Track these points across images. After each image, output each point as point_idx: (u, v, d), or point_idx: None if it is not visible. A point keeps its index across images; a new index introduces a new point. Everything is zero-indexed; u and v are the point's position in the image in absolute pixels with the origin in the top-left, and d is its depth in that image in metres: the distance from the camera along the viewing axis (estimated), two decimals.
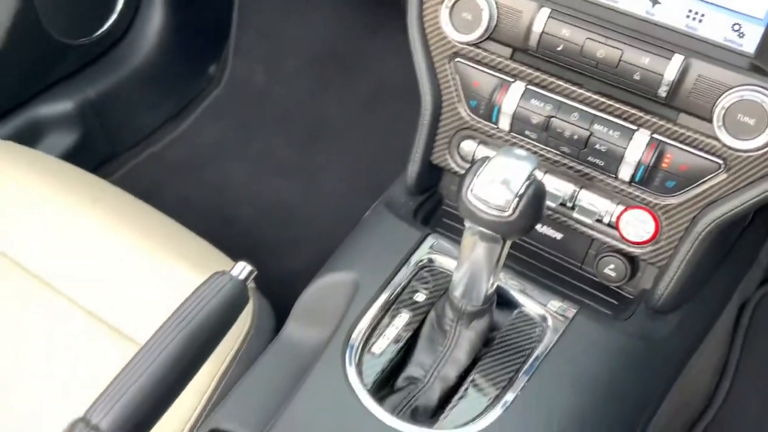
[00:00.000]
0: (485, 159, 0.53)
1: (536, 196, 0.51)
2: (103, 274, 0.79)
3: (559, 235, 0.71)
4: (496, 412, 0.55)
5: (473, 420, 0.54)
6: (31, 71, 1.18)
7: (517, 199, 0.51)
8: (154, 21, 1.33)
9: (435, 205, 0.76)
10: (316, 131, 1.39)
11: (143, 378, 0.44)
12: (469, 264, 0.56)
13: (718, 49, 0.57)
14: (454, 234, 0.69)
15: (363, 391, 0.55)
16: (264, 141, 1.39)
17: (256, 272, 0.51)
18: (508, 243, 0.55)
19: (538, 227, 0.72)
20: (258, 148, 1.38)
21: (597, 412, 0.58)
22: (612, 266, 0.67)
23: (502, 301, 0.64)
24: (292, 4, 1.48)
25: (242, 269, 0.51)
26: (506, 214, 0.51)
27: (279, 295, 0.81)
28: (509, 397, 0.56)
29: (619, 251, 0.66)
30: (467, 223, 0.53)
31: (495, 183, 0.51)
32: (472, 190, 0.51)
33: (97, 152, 1.28)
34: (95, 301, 0.76)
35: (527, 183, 0.51)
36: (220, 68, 1.46)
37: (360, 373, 0.57)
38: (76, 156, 1.20)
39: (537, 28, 0.62)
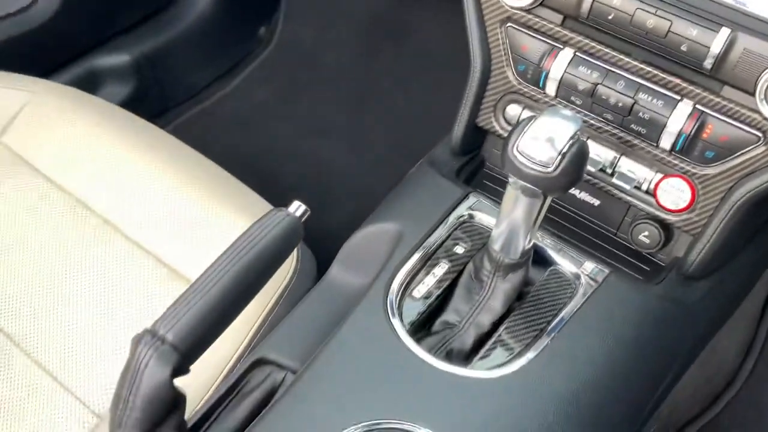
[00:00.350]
0: (532, 117, 0.55)
1: (579, 155, 0.54)
2: (160, 215, 0.83)
3: (596, 202, 0.74)
4: (527, 357, 0.58)
5: (504, 363, 0.58)
6: (93, 23, 1.23)
7: (560, 156, 0.53)
8: None
9: (477, 167, 0.79)
10: (361, 95, 1.42)
11: (207, 297, 0.48)
12: (509, 219, 0.59)
13: (765, 25, 0.58)
14: (494, 196, 0.72)
15: (402, 330, 0.59)
16: (310, 102, 1.42)
17: (309, 212, 0.55)
18: (549, 200, 0.58)
19: (577, 193, 0.74)
20: (303, 109, 1.42)
21: (622, 367, 0.61)
22: (646, 233, 0.69)
23: (538, 259, 0.67)
24: None
25: (298, 207, 0.54)
26: (549, 170, 0.53)
27: (319, 249, 0.85)
28: (540, 344, 0.59)
29: (654, 218, 0.69)
30: (511, 179, 0.56)
31: (540, 140, 0.54)
32: (517, 147, 0.54)
33: (149, 105, 1.33)
34: (153, 242, 0.82)
35: (571, 142, 0.54)
36: (270, 30, 1.50)
37: (400, 314, 0.60)
38: (129, 107, 1.25)
39: None
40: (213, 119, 1.40)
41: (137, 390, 0.46)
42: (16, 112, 0.92)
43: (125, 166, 0.88)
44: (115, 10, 1.25)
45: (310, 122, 1.38)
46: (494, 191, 0.74)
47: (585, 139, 0.68)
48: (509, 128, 0.73)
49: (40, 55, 1.13)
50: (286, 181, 1.30)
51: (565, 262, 0.66)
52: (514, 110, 0.73)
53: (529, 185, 0.55)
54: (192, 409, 0.59)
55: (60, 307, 0.80)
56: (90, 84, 1.23)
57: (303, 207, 0.55)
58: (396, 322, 0.59)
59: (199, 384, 0.65)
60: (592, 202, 0.74)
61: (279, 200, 0.92)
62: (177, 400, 0.49)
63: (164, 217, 0.84)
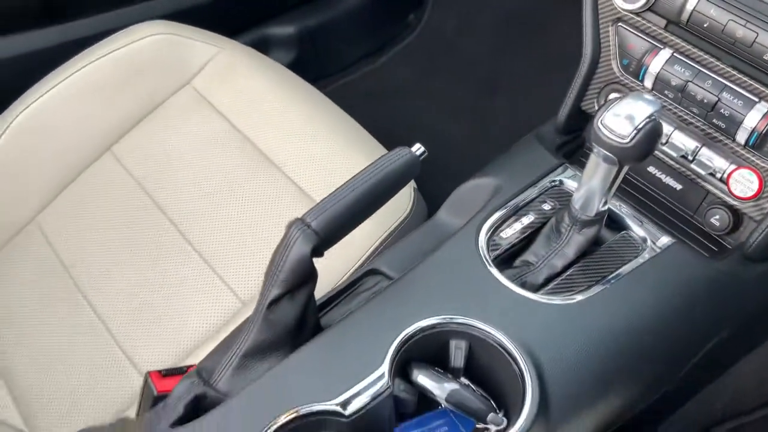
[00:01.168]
0: (618, 98, 0.67)
1: (652, 132, 0.65)
2: (308, 156, 1.02)
3: (679, 186, 0.84)
4: (584, 296, 0.70)
5: (569, 296, 0.71)
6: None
7: (635, 131, 0.65)
8: None
9: (577, 147, 0.91)
10: (492, 82, 1.55)
11: (343, 201, 0.64)
12: (589, 182, 0.71)
13: None
14: None
15: (487, 259, 0.73)
16: (444, 85, 1.58)
17: (426, 153, 0.70)
18: (624, 169, 0.69)
19: (663, 177, 0.85)
20: (438, 90, 1.57)
21: (668, 324, 0.72)
22: (717, 216, 0.79)
23: (614, 224, 0.78)
24: None
25: (419, 148, 0.70)
26: (625, 142, 0.65)
27: (433, 209, 1.00)
28: (597, 289, 0.71)
29: (726, 204, 0.78)
30: (594, 148, 0.69)
31: (620, 117, 0.66)
32: (601, 121, 0.66)
33: (306, 72, 1.53)
34: (300, 176, 1.01)
35: (646, 121, 0.65)
36: (418, 17, 1.67)
37: (487, 247, 0.74)
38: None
39: (690, 6, 0.74)
40: (356, 91, 1.59)
41: (286, 258, 0.63)
42: (205, 62, 1.14)
43: (287, 114, 1.07)
44: None
45: (443, 102, 1.53)
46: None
47: (672, 131, 0.79)
48: None
49: (227, 19, 1.35)
50: None
51: (637, 229, 0.78)
52: (614, 98, 0.84)
53: (608, 153, 0.67)
54: (318, 297, 0.76)
55: (221, 215, 1.00)
56: (261, 48, 1.44)
57: (422, 149, 0.70)
58: (482, 251, 0.73)
59: (327, 281, 0.83)
60: (674, 186, 0.84)
61: None
62: (312, 274, 0.66)
63: (311, 158, 1.03)
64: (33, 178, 1.06)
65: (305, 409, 0.59)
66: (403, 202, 0.95)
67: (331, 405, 0.59)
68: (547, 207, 0.80)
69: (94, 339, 0.93)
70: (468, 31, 1.63)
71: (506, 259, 0.76)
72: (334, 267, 0.87)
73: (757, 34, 0.71)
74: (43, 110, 1.06)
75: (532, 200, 0.80)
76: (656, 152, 0.82)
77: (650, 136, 0.66)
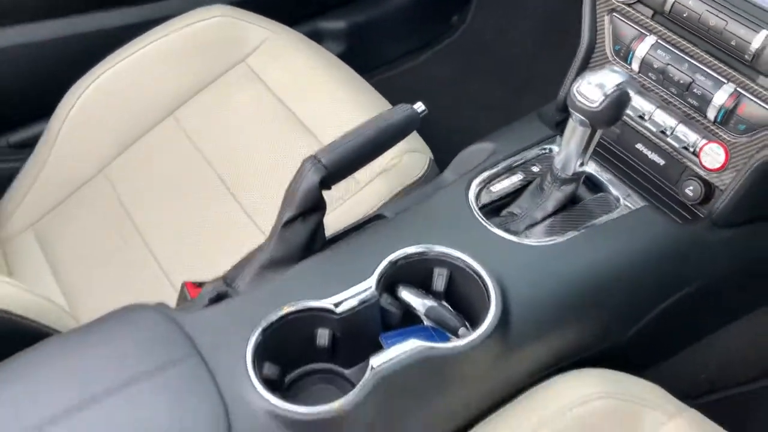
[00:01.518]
0: (593, 69, 0.78)
1: (619, 99, 0.76)
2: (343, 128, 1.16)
3: (662, 162, 0.93)
4: (559, 239, 0.81)
5: (541, 240, 0.81)
6: None
7: (604, 98, 0.76)
8: None
9: None
10: (526, 82, 1.66)
11: (351, 143, 0.77)
12: (567, 144, 0.82)
13: None
14: None
15: (475, 207, 0.84)
16: (480, 85, 1.69)
17: (426, 111, 0.82)
18: (597, 133, 0.80)
19: (648, 153, 0.94)
20: (473, 89, 1.69)
21: (632, 271, 0.81)
22: (691, 187, 0.88)
23: (595, 187, 0.89)
24: None
25: (420, 106, 0.82)
26: (594, 106, 0.76)
27: None
28: (571, 235, 0.82)
29: (698, 176, 0.88)
30: (571, 113, 0.79)
31: (593, 85, 0.76)
32: (577, 89, 0.77)
33: (352, 64, 1.67)
34: (315, 125, 1.14)
35: (615, 89, 0.76)
36: (461, 19, 1.79)
37: (477, 197, 0.86)
38: None
39: None
40: (397, 85, 1.72)
41: (299, 185, 0.76)
42: (259, 43, 1.28)
43: (328, 91, 1.21)
44: None
45: (475, 97, 1.65)
46: None
47: (654, 109, 0.89)
48: None
49: (284, 11, 1.49)
50: (440, 134, 1.57)
51: (614, 191, 0.88)
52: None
53: (581, 117, 0.78)
54: (329, 235, 0.89)
55: (261, 172, 1.14)
56: (313, 39, 1.59)
57: (423, 107, 0.82)
58: (471, 200, 0.84)
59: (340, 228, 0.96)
60: (658, 161, 0.93)
61: (430, 140, 1.21)
62: (321, 203, 0.79)
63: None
64: (106, 134, 1.23)
65: (303, 304, 0.71)
66: (417, 167, 1.07)
67: (325, 303, 0.72)
68: (535, 169, 0.91)
69: (142, 261, 1.08)
70: (507, 33, 1.75)
71: (494, 210, 0.88)
72: (346, 217, 0.99)
73: (727, 22, 0.80)
74: (118, 75, 1.23)
75: (523, 163, 0.91)
76: (641, 129, 0.92)
77: (617, 102, 0.76)
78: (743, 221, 0.86)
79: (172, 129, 1.24)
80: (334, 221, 0.92)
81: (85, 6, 1.33)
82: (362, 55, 1.69)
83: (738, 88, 0.82)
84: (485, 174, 0.89)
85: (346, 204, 1.02)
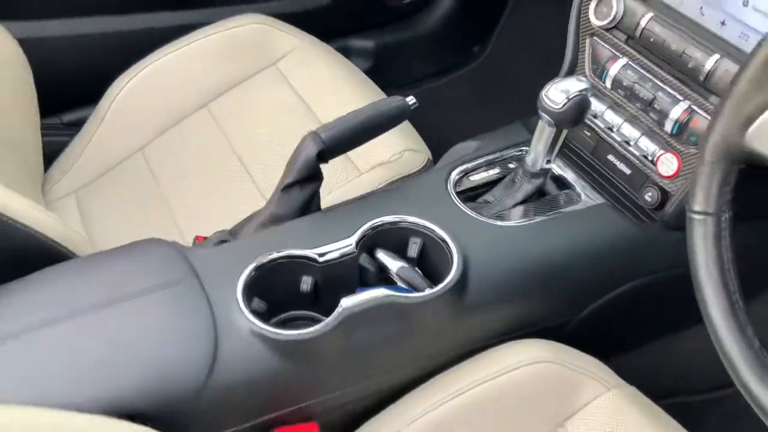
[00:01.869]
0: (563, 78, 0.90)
1: (580, 103, 0.88)
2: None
3: (628, 171, 1.04)
4: (521, 222, 0.92)
5: (505, 222, 0.93)
6: (354, 17, 1.75)
7: (567, 101, 0.88)
8: (446, 2, 1.84)
9: None
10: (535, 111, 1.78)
11: (347, 123, 0.90)
12: (536, 141, 0.94)
13: (741, 54, 0.87)
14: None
15: (452, 190, 0.96)
16: (496, 108, 1.81)
17: (417, 104, 0.95)
18: (563, 133, 0.92)
19: (617, 163, 1.05)
20: (489, 111, 1.81)
21: (581, 260, 0.91)
22: (650, 193, 0.99)
23: (564, 186, 1.00)
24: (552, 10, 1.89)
25: (411, 99, 0.95)
26: (558, 108, 0.88)
27: None
28: (536, 219, 0.93)
29: (656, 183, 0.98)
30: (540, 114, 0.91)
31: (558, 90, 0.89)
32: (545, 93, 0.90)
33: (374, 81, 1.82)
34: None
35: (576, 94, 0.88)
36: (481, 49, 1.93)
37: (456, 183, 0.98)
38: None
39: (642, 24, 0.97)
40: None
41: (299, 155, 0.89)
42: (290, 50, 1.43)
43: (347, 96, 1.34)
44: (369, 11, 1.77)
45: (492, 123, 1.76)
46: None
47: (621, 123, 1.00)
48: None
49: (317, 27, 1.64)
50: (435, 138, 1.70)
51: (579, 190, 0.99)
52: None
53: (548, 117, 0.90)
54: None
55: (281, 163, 1.27)
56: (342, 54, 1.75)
57: (414, 100, 0.95)
58: (450, 185, 0.96)
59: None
60: (625, 171, 1.04)
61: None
62: (317, 175, 0.91)
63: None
64: (146, 118, 1.38)
65: (291, 251, 0.83)
66: (415, 163, 1.19)
67: (310, 252, 0.84)
68: (511, 166, 1.03)
69: (165, 226, 1.22)
70: (525, 63, 1.87)
71: (471, 198, 0.99)
72: (343, 198, 1.12)
73: (685, 47, 0.92)
74: (162, 68, 1.38)
75: (502, 159, 1.03)
76: (611, 141, 1.03)
77: (578, 105, 0.88)
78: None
79: (204, 118, 1.39)
80: (331, 201, 1.05)
81: (135, 7, 1.51)
82: (385, 74, 1.83)
83: (692, 105, 0.93)
84: (467, 165, 1.01)
85: (344, 188, 1.14)
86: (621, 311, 0.98)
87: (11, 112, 1.26)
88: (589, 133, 1.07)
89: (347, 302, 0.79)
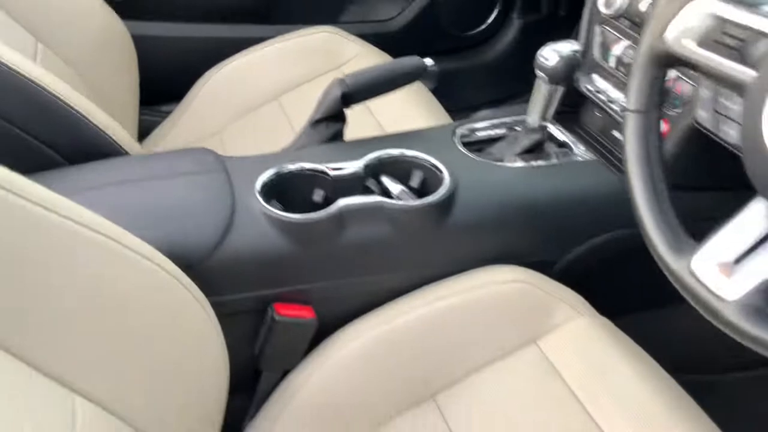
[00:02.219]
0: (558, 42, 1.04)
1: (568, 61, 1.01)
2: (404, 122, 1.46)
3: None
4: (515, 165, 1.04)
5: (500, 164, 1.04)
6: (420, 41, 1.95)
7: (559, 59, 1.01)
8: (509, 35, 2.02)
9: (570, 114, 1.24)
10: None
11: (370, 73, 1.06)
12: (534, 98, 1.06)
13: None
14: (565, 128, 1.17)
15: (457, 136, 1.09)
16: None
17: (435, 67, 1.10)
18: (558, 91, 1.04)
19: (619, 136, 1.15)
20: None
21: (569, 202, 1.01)
22: None
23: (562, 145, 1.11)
24: None
25: (431, 62, 1.10)
26: (551, 65, 1.01)
27: None
28: (526, 164, 1.04)
29: None
30: (536, 72, 1.04)
31: (552, 51, 1.02)
32: (541, 53, 1.03)
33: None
34: (385, 120, 1.44)
35: (567, 53, 1.01)
36: None
37: (463, 136, 1.11)
38: None
39: (641, 8, 1.09)
40: None
41: (327, 95, 1.06)
42: (353, 56, 1.64)
43: (407, 103, 1.50)
44: (437, 38, 1.97)
45: None
46: (569, 128, 1.20)
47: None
48: (593, 89, 1.19)
49: (384, 48, 1.84)
50: None
51: (576, 150, 1.10)
52: (595, 78, 1.19)
53: (542, 74, 1.03)
54: None
55: None
56: None
57: (433, 63, 1.10)
58: (457, 134, 1.10)
59: None
60: (620, 137, 1.14)
61: None
62: (341, 116, 1.08)
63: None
64: (227, 106, 1.61)
65: (306, 164, 0.99)
66: None
67: (323, 166, 0.99)
68: (518, 128, 1.15)
69: None
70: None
71: (476, 149, 1.12)
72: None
73: None
74: (242, 67, 1.62)
75: (510, 123, 1.16)
76: (614, 115, 1.14)
77: (567, 63, 1.01)
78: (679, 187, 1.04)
79: (275, 110, 1.60)
80: None
81: (222, 19, 1.78)
82: (448, 97, 2.00)
83: (678, 74, 1.03)
84: (474, 125, 1.14)
85: None
86: (607, 264, 1.05)
87: (116, 87, 1.52)
88: (600, 114, 1.18)
89: (344, 201, 0.93)
